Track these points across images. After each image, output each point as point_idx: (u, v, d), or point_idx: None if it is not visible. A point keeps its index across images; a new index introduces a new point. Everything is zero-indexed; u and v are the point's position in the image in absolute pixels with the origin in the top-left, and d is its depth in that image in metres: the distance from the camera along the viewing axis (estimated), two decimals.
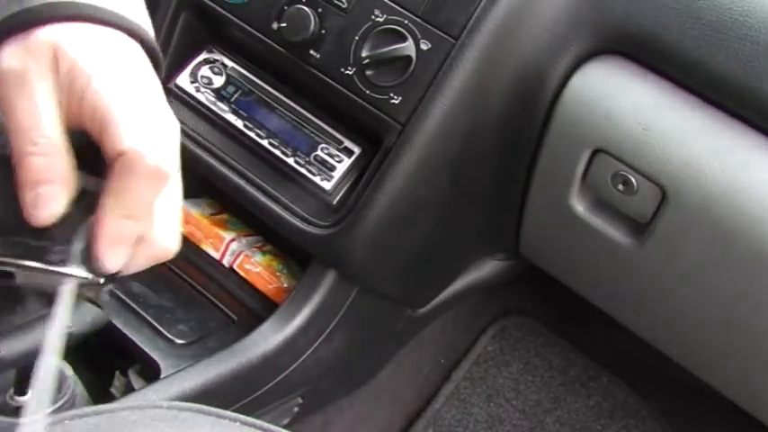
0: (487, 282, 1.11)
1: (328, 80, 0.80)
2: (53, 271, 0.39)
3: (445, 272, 1.05)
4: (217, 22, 0.88)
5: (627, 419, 1.22)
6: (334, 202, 0.84)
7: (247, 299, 0.91)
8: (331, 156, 0.85)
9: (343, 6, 0.79)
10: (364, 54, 0.77)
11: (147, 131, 0.40)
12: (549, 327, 1.31)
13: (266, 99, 0.89)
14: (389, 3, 0.77)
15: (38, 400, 0.38)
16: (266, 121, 0.88)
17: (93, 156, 0.41)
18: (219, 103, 0.89)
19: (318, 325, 0.88)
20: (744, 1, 0.68)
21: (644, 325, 0.93)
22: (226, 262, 0.93)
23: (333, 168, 0.85)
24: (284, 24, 0.80)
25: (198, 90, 0.90)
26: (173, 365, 0.77)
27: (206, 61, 0.91)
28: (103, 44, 0.41)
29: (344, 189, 0.85)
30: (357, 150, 0.85)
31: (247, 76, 0.90)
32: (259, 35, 0.84)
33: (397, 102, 0.77)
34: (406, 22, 0.77)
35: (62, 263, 0.39)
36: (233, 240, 0.93)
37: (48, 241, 0.40)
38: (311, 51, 0.81)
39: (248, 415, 0.50)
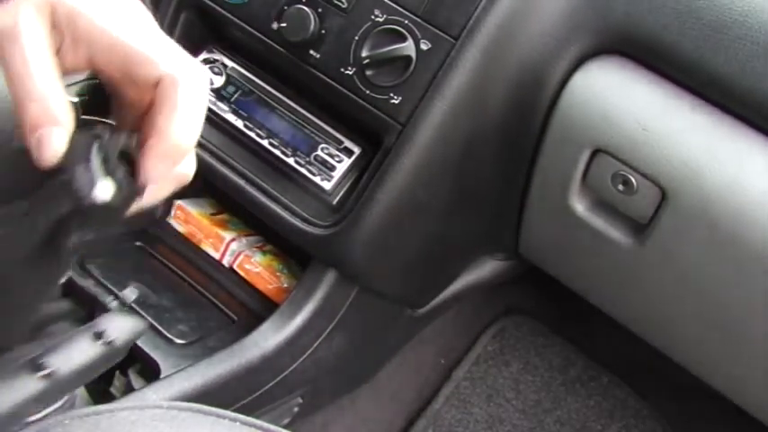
0: (487, 282, 1.11)
1: (328, 80, 0.80)
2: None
3: (445, 272, 1.05)
4: (217, 22, 0.88)
5: (627, 419, 1.22)
6: (334, 202, 0.84)
7: (247, 299, 0.91)
8: (331, 156, 0.85)
9: (343, 6, 0.79)
10: (364, 54, 0.77)
11: (171, 53, 0.43)
12: (549, 326, 1.31)
13: (266, 99, 0.89)
14: (389, 3, 0.77)
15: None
16: (266, 121, 0.88)
17: (100, 100, 0.44)
18: (219, 103, 0.89)
19: (318, 325, 0.88)
20: (744, 1, 0.68)
21: (644, 325, 0.93)
22: (226, 262, 0.93)
23: (333, 168, 0.85)
24: (284, 24, 0.80)
25: None
26: (173, 365, 0.77)
27: (206, 61, 0.91)
28: None
29: (344, 189, 0.85)
30: (357, 150, 0.86)
31: (247, 77, 0.90)
32: (259, 35, 0.84)
33: (396, 102, 0.77)
34: (405, 22, 0.77)
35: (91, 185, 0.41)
36: (233, 240, 0.93)
37: (69, 175, 0.41)
38: (311, 51, 0.81)
39: (248, 415, 0.50)
